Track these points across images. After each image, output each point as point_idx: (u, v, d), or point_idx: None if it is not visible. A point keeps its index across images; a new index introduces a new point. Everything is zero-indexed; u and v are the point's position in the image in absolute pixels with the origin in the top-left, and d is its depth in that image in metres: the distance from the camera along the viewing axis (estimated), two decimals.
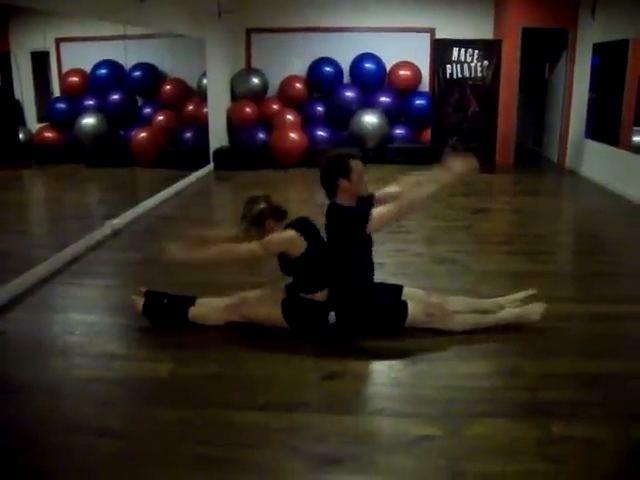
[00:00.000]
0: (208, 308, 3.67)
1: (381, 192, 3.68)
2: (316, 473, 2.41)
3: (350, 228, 3.41)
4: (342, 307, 3.48)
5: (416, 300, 3.51)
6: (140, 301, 3.71)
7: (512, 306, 3.65)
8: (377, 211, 3.36)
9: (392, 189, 3.71)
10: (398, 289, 3.66)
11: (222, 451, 2.52)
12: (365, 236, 3.43)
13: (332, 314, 3.46)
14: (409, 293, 3.62)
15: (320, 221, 3.58)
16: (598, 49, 8.60)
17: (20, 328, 3.78)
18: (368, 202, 3.53)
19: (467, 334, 3.48)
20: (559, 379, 3.06)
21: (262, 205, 3.50)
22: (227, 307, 3.63)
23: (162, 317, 3.73)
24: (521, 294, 3.71)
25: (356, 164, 3.40)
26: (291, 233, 3.44)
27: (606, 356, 3.34)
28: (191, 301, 3.72)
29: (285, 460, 2.47)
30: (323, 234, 3.58)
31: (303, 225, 3.53)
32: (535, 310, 3.42)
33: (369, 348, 3.40)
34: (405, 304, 3.45)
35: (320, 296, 3.53)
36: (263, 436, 2.62)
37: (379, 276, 3.77)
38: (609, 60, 8.37)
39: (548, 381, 3.02)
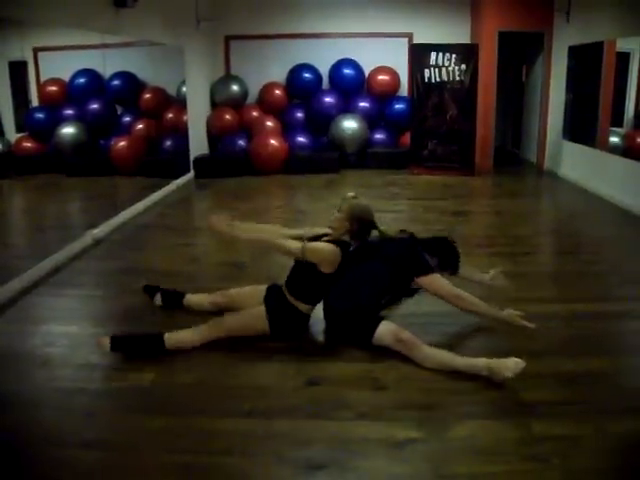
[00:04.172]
0: (183, 334, 3.48)
1: None
2: (301, 479, 2.42)
3: (406, 267, 3.57)
4: (345, 318, 3.54)
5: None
6: (105, 340, 3.39)
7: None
8: (441, 278, 3.60)
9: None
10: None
11: (207, 459, 2.52)
12: (409, 282, 3.58)
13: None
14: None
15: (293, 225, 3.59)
16: (574, 51, 8.70)
17: (1, 340, 3.74)
18: None
19: (448, 336, 3.53)
20: (540, 379, 3.09)
21: (369, 212, 3.65)
22: (211, 322, 3.54)
23: (135, 350, 3.45)
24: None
25: (446, 275, 3.74)
26: (337, 251, 3.49)
27: (586, 355, 3.38)
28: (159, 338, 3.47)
29: (270, 466, 2.48)
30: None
31: (345, 249, 3.58)
32: (509, 366, 3.02)
33: (351, 353, 3.41)
34: (378, 319, 3.44)
35: (305, 308, 3.57)
36: (248, 443, 2.62)
37: None
38: (585, 62, 8.47)
39: (529, 381, 3.05)
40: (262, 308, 3.54)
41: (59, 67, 8.00)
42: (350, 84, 10.23)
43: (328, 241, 3.54)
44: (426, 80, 9.09)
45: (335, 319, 3.59)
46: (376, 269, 3.58)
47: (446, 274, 3.75)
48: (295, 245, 3.43)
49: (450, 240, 3.85)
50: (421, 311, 3.93)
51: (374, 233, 3.70)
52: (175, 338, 3.45)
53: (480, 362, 3.13)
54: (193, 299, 4.05)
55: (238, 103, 10.22)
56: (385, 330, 3.38)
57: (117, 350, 3.38)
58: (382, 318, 3.46)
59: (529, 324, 3.49)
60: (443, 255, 3.75)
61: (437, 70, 9.02)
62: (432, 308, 3.90)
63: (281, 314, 3.54)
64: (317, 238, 3.61)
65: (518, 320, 3.51)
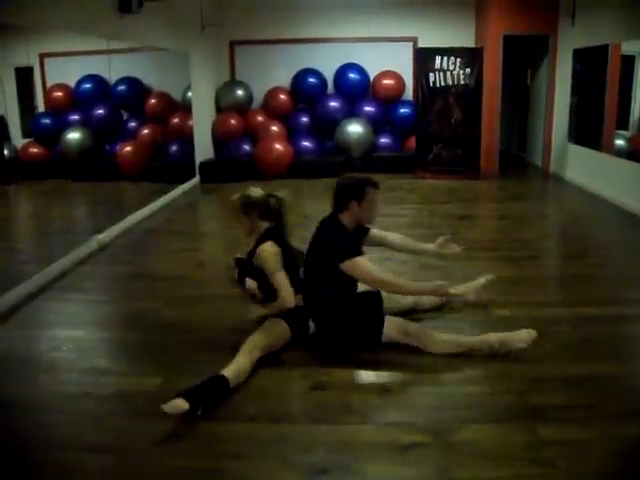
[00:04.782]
0: (234, 365, 3.17)
1: (378, 232, 3.84)
2: None
3: (330, 253, 3.42)
4: (319, 318, 3.52)
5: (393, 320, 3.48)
6: (179, 403, 2.79)
7: (472, 292, 3.97)
8: (364, 262, 3.36)
9: (390, 236, 3.91)
10: (378, 298, 3.65)
11: (212, 463, 2.52)
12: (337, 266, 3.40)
13: (312, 324, 3.53)
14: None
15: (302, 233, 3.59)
16: (579, 54, 8.69)
17: (7, 345, 3.75)
18: (362, 232, 3.66)
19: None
20: (546, 383, 3.08)
21: (260, 195, 3.65)
22: (245, 348, 3.28)
23: (209, 399, 2.96)
24: (481, 280, 4.02)
25: (372, 192, 3.49)
26: (271, 245, 3.50)
27: (592, 358, 3.37)
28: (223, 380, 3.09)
29: (275, 471, 2.48)
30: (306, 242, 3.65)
31: (274, 234, 3.61)
32: (522, 338, 3.26)
33: (356, 358, 3.40)
34: (382, 319, 3.44)
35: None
36: (253, 447, 2.62)
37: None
38: (590, 65, 8.45)
39: (536, 385, 3.05)
40: (278, 319, 3.50)
41: (65, 73, 8.04)
42: (355, 88, 10.24)
43: (257, 245, 3.57)
44: (431, 84, 9.09)
45: (327, 332, 3.55)
46: (319, 264, 3.49)
47: (372, 192, 3.50)
48: (279, 280, 3.45)
49: (340, 179, 3.64)
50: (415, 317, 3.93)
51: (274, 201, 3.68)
52: (235, 376, 3.08)
53: (492, 336, 3.24)
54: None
55: (243, 108, 10.23)
56: (391, 326, 3.40)
57: (195, 405, 2.82)
58: (384, 315, 3.47)
59: (460, 292, 3.54)
60: (351, 192, 3.47)
61: (442, 74, 9.01)
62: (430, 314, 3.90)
63: (287, 318, 3.52)
64: (252, 252, 3.63)
65: (448, 290, 3.42)
